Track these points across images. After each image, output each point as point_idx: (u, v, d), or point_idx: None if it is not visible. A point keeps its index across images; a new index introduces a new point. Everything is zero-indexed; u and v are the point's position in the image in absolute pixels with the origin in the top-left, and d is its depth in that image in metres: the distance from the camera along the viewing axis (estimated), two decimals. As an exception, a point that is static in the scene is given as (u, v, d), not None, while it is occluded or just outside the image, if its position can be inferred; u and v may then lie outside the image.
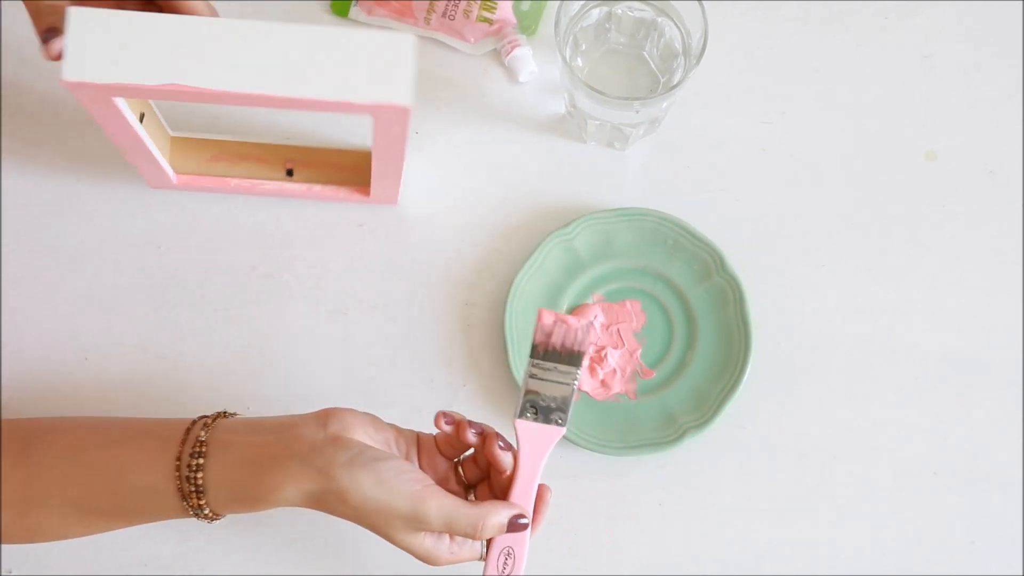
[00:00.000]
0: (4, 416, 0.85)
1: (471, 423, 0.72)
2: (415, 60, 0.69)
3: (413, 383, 0.87)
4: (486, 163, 0.91)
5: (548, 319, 0.71)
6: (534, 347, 0.72)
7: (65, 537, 0.74)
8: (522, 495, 0.72)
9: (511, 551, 0.72)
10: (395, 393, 0.87)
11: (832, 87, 0.93)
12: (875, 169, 0.91)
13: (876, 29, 0.93)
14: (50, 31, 0.71)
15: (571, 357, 0.72)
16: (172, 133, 0.86)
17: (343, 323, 0.88)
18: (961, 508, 0.86)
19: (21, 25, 0.91)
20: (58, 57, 0.69)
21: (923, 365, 0.88)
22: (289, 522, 0.84)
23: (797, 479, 0.86)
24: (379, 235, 0.89)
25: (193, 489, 0.70)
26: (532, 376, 0.72)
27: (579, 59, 0.90)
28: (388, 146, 0.77)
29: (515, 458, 0.72)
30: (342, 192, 0.88)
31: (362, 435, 0.71)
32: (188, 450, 0.71)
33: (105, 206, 0.89)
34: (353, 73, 0.69)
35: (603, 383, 0.87)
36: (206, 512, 0.71)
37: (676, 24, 0.87)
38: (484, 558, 0.72)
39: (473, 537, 0.70)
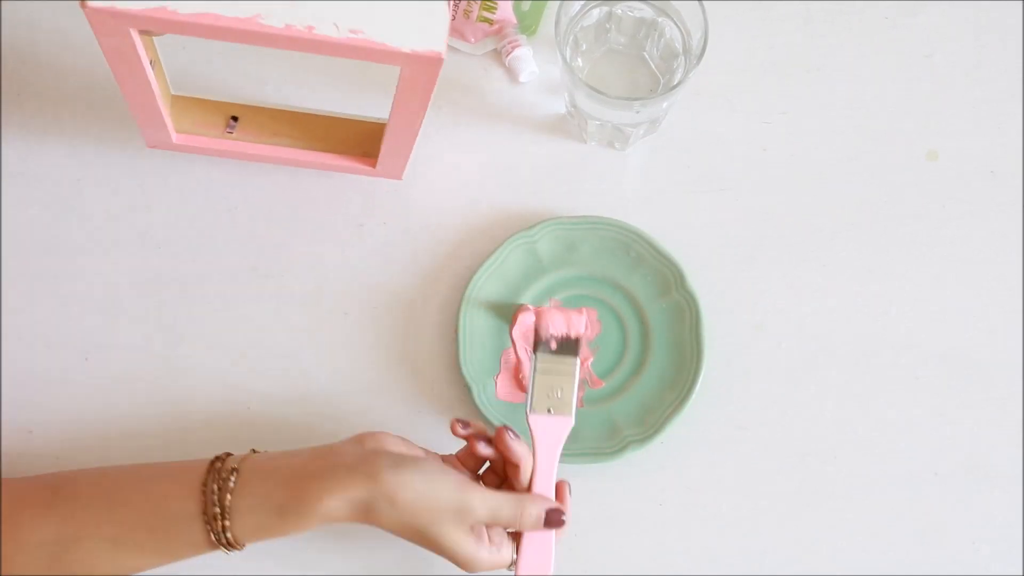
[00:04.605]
0: (4, 416, 0.85)
1: (481, 434, 0.75)
2: (449, 10, 0.68)
3: (414, 384, 0.87)
4: (486, 163, 0.91)
5: (548, 315, 0.76)
6: (537, 343, 0.75)
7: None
8: (543, 489, 0.75)
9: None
10: (396, 394, 0.87)
11: (833, 86, 0.92)
12: (876, 168, 0.91)
13: (877, 28, 0.93)
14: None
15: (570, 347, 0.76)
16: (174, 92, 0.84)
17: (343, 323, 0.88)
18: (962, 508, 0.86)
19: (21, 25, 0.91)
20: None
21: (924, 365, 0.88)
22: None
23: (797, 479, 0.86)
24: (379, 235, 0.89)
25: (218, 512, 0.71)
26: (538, 372, 0.76)
27: (579, 59, 0.90)
28: (409, 105, 0.75)
29: (533, 454, 0.75)
30: (345, 162, 0.87)
31: (403, 448, 0.74)
32: (216, 476, 0.72)
33: (105, 207, 0.89)
34: (386, 19, 0.67)
35: None
36: (228, 536, 0.71)
37: (676, 24, 0.87)
38: (514, 564, 0.75)
39: (515, 525, 0.73)
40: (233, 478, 0.72)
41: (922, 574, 0.85)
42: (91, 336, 0.87)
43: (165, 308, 0.87)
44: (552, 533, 0.75)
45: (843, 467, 0.86)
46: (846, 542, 0.85)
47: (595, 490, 0.85)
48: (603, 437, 0.85)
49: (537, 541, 0.75)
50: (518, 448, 0.74)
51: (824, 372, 0.88)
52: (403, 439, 0.75)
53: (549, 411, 0.76)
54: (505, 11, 0.91)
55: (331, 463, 0.71)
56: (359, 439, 0.74)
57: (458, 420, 0.75)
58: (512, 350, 0.86)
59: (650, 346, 0.87)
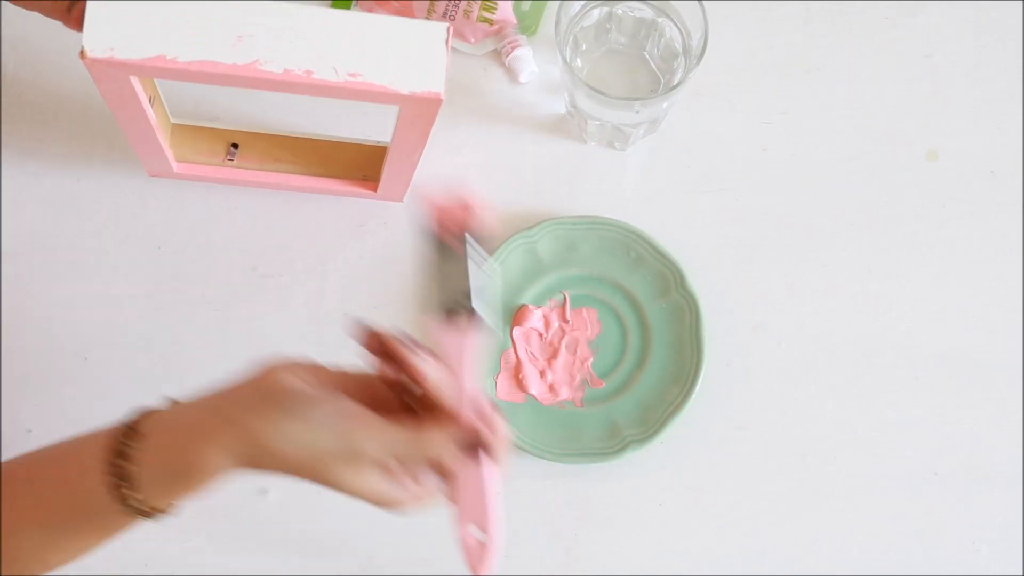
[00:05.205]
0: (4, 416, 0.85)
1: (373, 339, 0.65)
2: (448, 50, 0.68)
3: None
4: (486, 163, 0.91)
5: (432, 201, 0.65)
6: (431, 240, 0.64)
7: (47, 567, 0.70)
8: (463, 407, 0.63)
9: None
10: (395, 393, 0.87)
11: (833, 87, 0.92)
12: (876, 168, 0.91)
13: (877, 28, 0.93)
14: None
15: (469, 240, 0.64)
16: (173, 120, 0.85)
17: (343, 323, 0.88)
18: (962, 508, 0.86)
19: (21, 25, 0.91)
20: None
21: (924, 365, 0.88)
22: (289, 522, 0.84)
23: (797, 479, 0.86)
24: (379, 236, 0.89)
25: (117, 481, 0.65)
26: (434, 271, 0.64)
27: (579, 59, 0.90)
28: (409, 139, 0.75)
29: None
30: (346, 187, 0.87)
31: (300, 384, 0.65)
32: (115, 443, 0.66)
33: (105, 206, 0.89)
34: (385, 61, 0.67)
35: (551, 388, 0.86)
36: (135, 503, 0.66)
37: (676, 24, 0.87)
38: (451, 499, 0.65)
39: (420, 459, 0.64)
40: (133, 444, 0.66)
41: (922, 574, 0.85)
42: (91, 336, 0.87)
43: (165, 308, 0.87)
44: (481, 467, 0.63)
45: (843, 467, 0.86)
46: (846, 542, 0.85)
47: (595, 490, 0.86)
48: (603, 437, 0.85)
49: (464, 476, 0.64)
50: (417, 363, 0.63)
51: (824, 372, 0.88)
52: (309, 366, 0.66)
53: (447, 312, 0.63)
54: (505, 11, 0.91)
55: (218, 415, 0.65)
56: (259, 378, 0.65)
57: (356, 322, 0.65)
58: (512, 350, 0.87)
59: (650, 346, 0.87)
